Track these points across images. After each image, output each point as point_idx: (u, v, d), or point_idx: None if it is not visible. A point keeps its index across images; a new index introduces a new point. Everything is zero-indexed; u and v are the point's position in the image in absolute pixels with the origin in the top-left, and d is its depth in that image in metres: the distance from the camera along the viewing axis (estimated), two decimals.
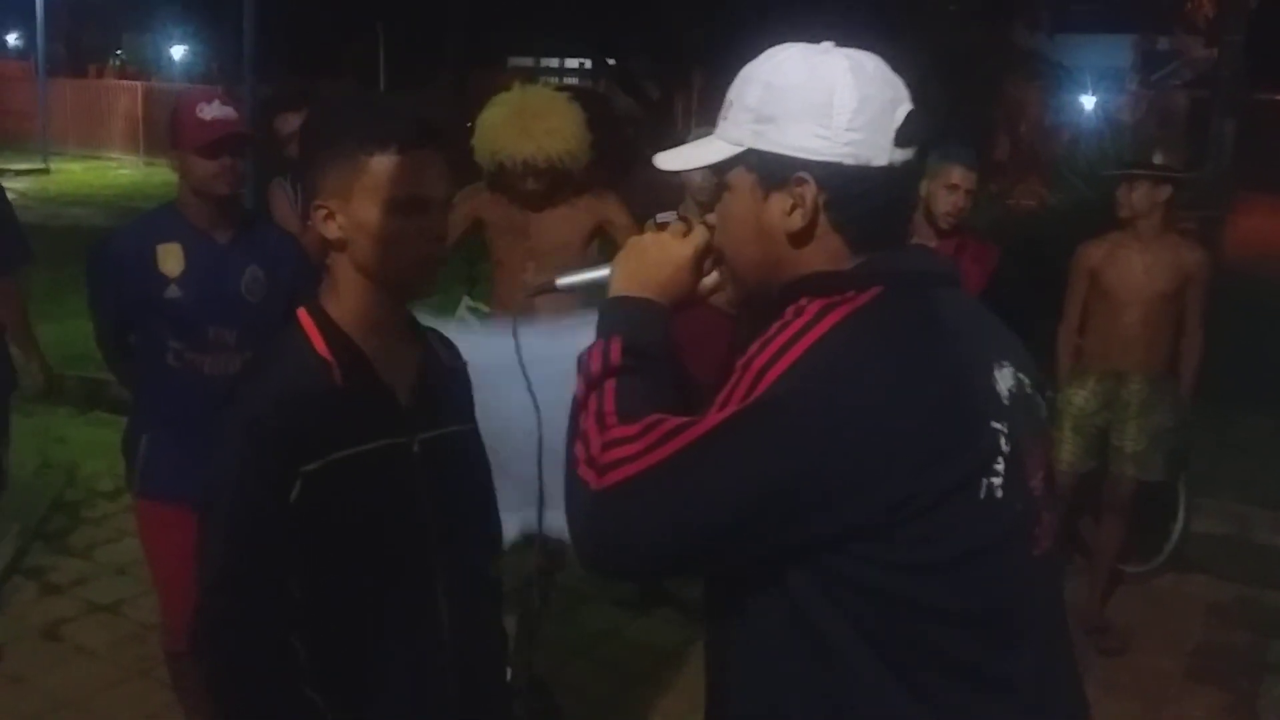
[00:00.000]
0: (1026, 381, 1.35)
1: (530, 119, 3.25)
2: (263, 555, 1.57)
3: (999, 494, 1.23)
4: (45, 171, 18.87)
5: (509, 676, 2.07)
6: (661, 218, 1.56)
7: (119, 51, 30.18)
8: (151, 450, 2.91)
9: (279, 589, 1.57)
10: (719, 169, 1.37)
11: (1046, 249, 6.24)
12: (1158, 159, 4.24)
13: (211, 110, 2.80)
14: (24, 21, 26.27)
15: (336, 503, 1.59)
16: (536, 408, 1.52)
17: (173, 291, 2.83)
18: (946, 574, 1.23)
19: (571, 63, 23.95)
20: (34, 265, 3.87)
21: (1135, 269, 4.16)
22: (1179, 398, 4.29)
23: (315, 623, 1.59)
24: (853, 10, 9.83)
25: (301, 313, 1.67)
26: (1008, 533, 1.27)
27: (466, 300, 5.78)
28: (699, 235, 1.45)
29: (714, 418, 1.22)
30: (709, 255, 1.46)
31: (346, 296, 1.65)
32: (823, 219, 1.31)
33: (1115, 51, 24.16)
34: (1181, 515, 4.87)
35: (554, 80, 19.41)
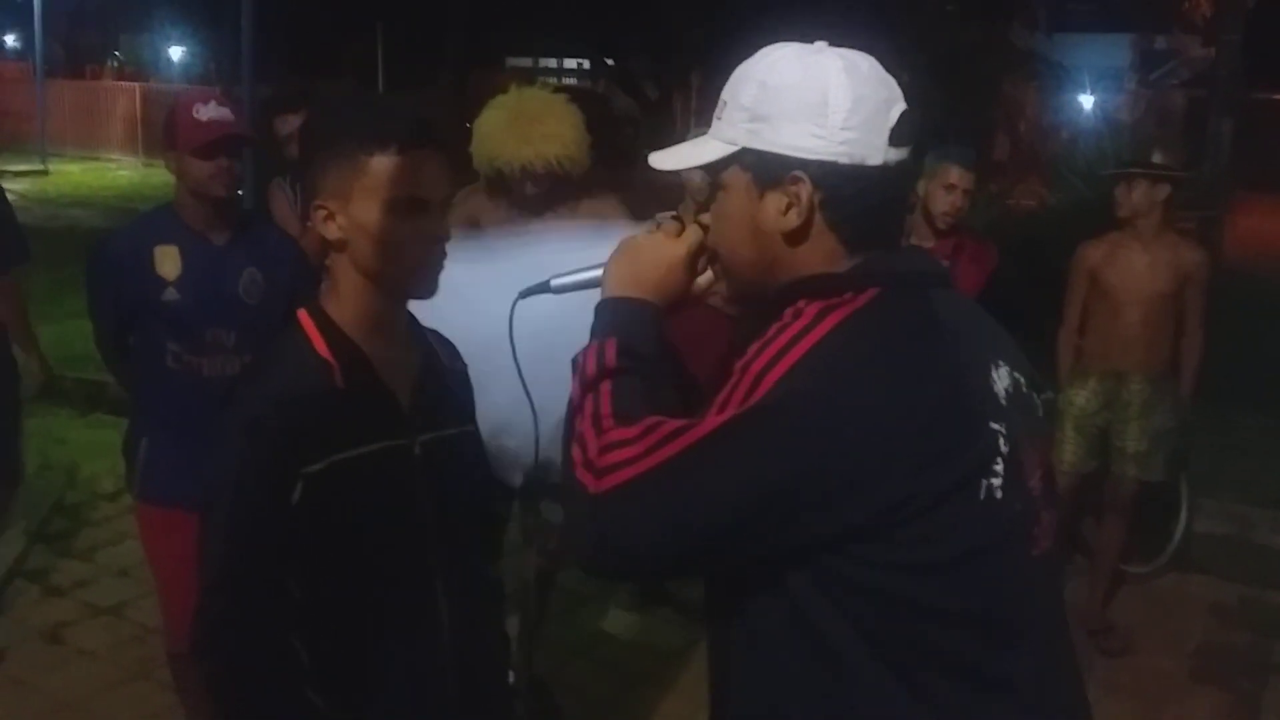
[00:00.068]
0: (1022, 381, 1.36)
1: (528, 124, 3.24)
2: (263, 556, 1.57)
3: (998, 494, 1.24)
4: (44, 173, 18.86)
5: (510, 678, 2.07)
6: (660, 218, 1.56)
7: (117, 53, 30.17)
8: (151, 453, 2.91)
9: (279, 590, 1.57)
10: (714, 168, 1.37)
11: (1046, 249, 6.24)
12: (1156, 158, 4.24)
13: (208, 111, 2.79)
14: (22, 23, 26.26)
15: (337, 504, 1.58)
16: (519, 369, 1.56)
17: (170, 294, 2.82)
18: (946, 574, 1.23)
19: (570, 63, 23.97)
20: (33, 267, 3.88)
21: (1135, 269, 4.16)
22: (1179, 398, 4.29)
23: (315, 624, 1.59)
24: (852, 10, 9.84)
25: (302, 314, 1.67)
26: (1007, 533, 1.27)
27: None
28: (692, 235, 1.45)
29: (713, 420, 1.22)
30: (703, 255, 1.45)
31: (347, 297, 1.65)
32: (818, 218, 1.31)
33: (1113, 51, 24.16)
34: (1183, 515, 4.87)
35: (553, 80, 19.41)
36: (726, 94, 1.35)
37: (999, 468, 1.24)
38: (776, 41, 1.36)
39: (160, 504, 2.84)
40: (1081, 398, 4.30)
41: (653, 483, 1.22)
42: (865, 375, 1.21)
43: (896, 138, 1.30)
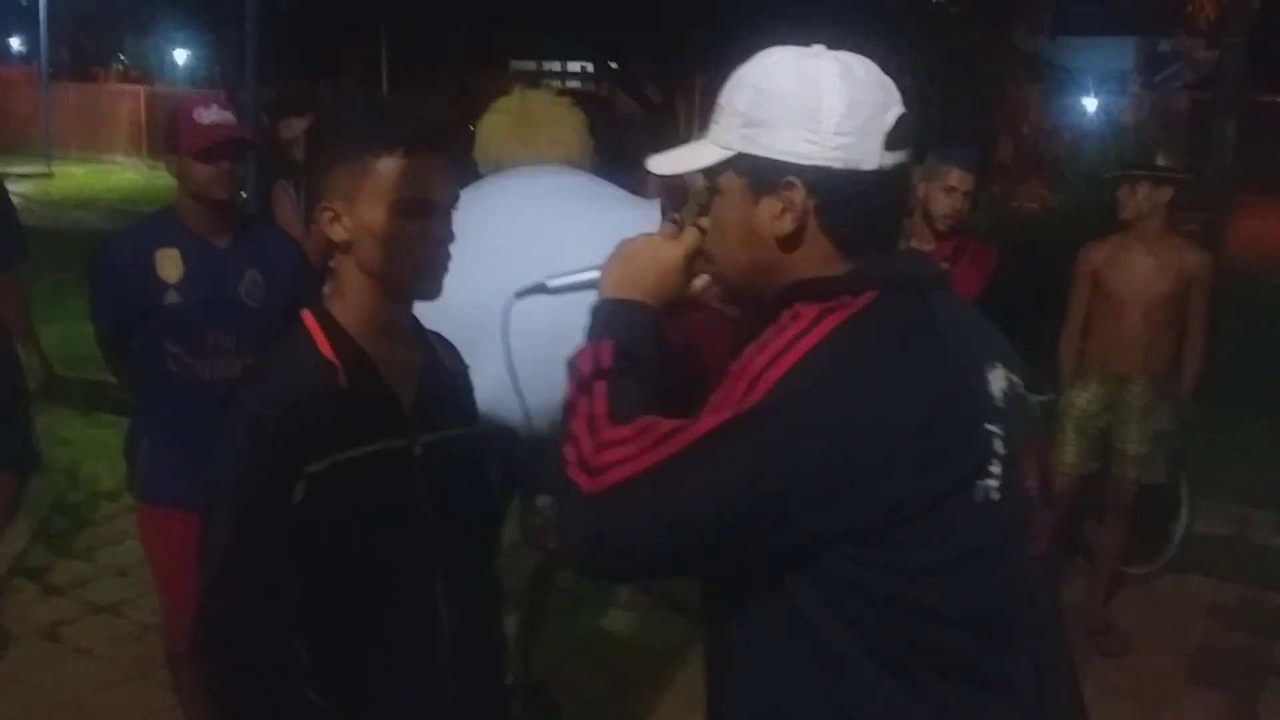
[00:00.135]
0: (1018, 382, 1.36)
1: (531, 128, 3.24)
2: (264, 556, 1.57)
3: (994, 496, 1.24)
4: (48, 175, 18.90)
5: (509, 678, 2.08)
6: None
7: (121, 55, 30.19)
8: (152, 454, 2.91)
9: (279, 590, 1.57)
10: (709, 173, 1.37)
11: (1049, 251, 6.25)
12: (1159, 160, 4.24)
13: (209, 115, 2.80)
14: (27, 26, 26.31)
15: (338, 504, 1.59)
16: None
17: (172, 297, 2.83)
18: (943, 576, 1.23)
19: (573, 66, 23.96)
20: (36, 268, 3.89)
21: (1137, 271, 4.16)
22: (1180, 400, 4.29)
23: (315, 624, 1.59)
24: (855, 13, 9.84)
25: (306, 314, 1.67)
26: (1004, 534, 1.27)
27: None
28: (689, 238, 1.46)
29: (710, 420, 1.22)
30: (700, 258, 1.46)
31: (351, 298, 1.65)
32: (812, 223, 1.31)
33: (1117, 53, 24.12)
34: (1184, 516, 4.87)
35: (555, 83, 19.41)
36: (723, 98, 1.36)
37: (995, 469, 1.24)
38: (779, 44, 1.36)
39: (160, 505, 2.85)
40: (1083, 400, 4.30)
41: (648, 482, 1.22)
42: (864, 377, 1.21)
43: (892, 142, 1.30)
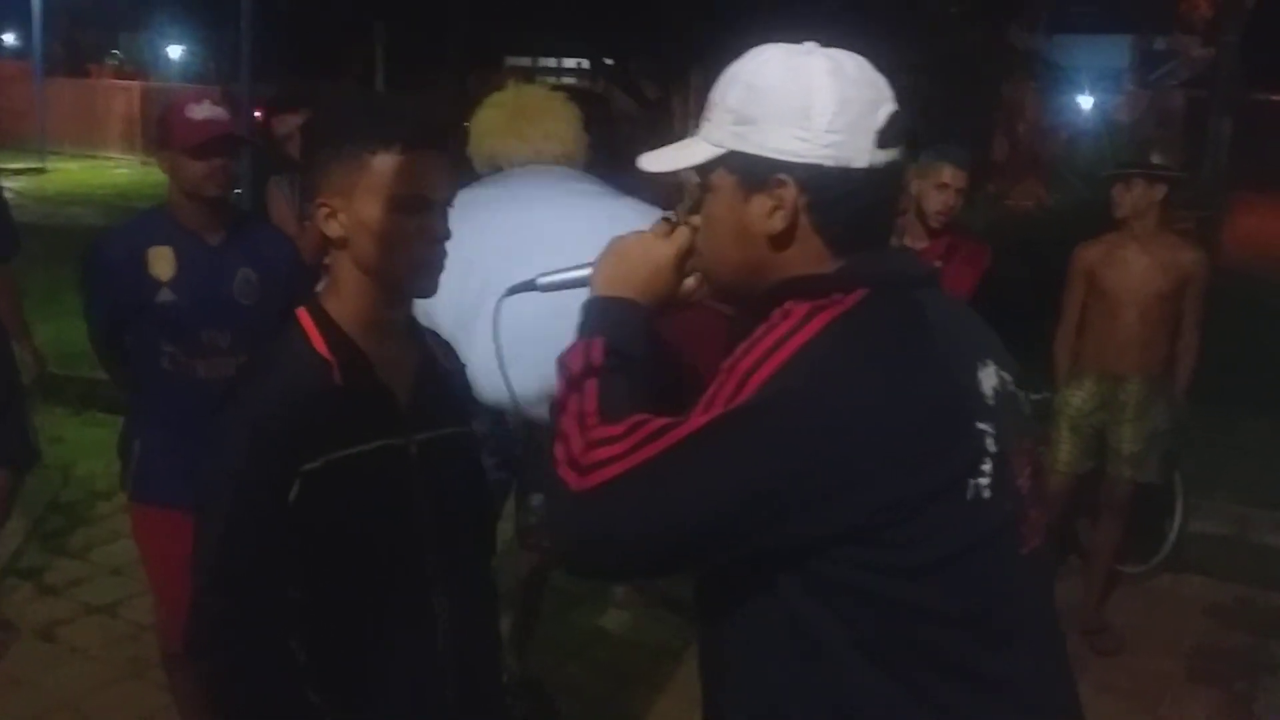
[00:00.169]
0: (1010, 380, 1.36)
1: (525, 122, 3.23)
2: (261, 555, 1.57)
3: (986, 494, 1.24)
4: (42, 171, 18.89)
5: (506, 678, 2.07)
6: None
7: (116, 51, 30.15)
8: (146, 454, 2.90)
9: (277, 589, 1.57)
10: (701, 170, 1.37)
11: (1044, 249, 6.25)
12: (1154, 158, 4.24)
13: (201, 111, 2.79)
14: (21, 21, 26.22)
15: (334, 503, 1.58)
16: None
17: (165, 295, 2.81)
18: (936, 575, 1.23)
19: (569, 62, 23.94)
20: (31, 264, 3.89)
21: (1132, 270, 4.16)
22: (1175, 399, 4.29)
23: (312, 623, 1.59)
24: (851, 11, 9.83)
25: (301, 312, 1.67)
26: (996, 533, 1.27)
27: None
28: (681, 236, 1.45)
29: (700, 418, 1.22)
30: (692, 256, 1.45)
31: (347, 296, 1.65)
32: (803, 221, 1.31)
33: (1113, 52, 24.16)
34: (1178, 515, 4.87)
35: (551, 79, 19.38)
36: (715, 95, 1.35)
37: (986, 467, 1.24)
38: (775, 41, 1.36)
39: (155, 504, 2.84)
40: (1078, 398, 4.30)
41: (638, 480, 1.22)
42: (856, 375, 1.21)
43: (884, 139, 1.30)
